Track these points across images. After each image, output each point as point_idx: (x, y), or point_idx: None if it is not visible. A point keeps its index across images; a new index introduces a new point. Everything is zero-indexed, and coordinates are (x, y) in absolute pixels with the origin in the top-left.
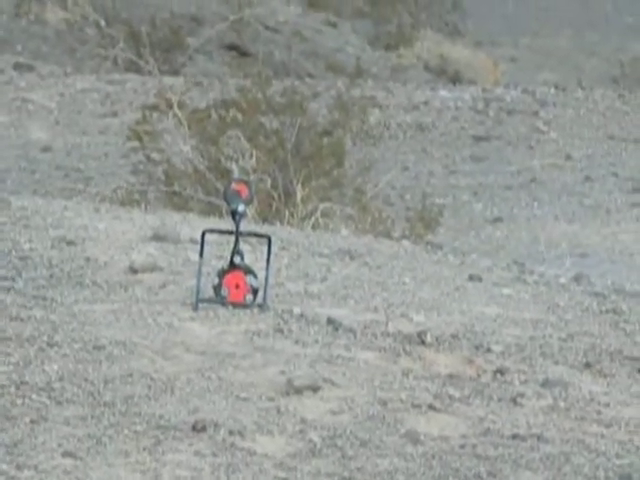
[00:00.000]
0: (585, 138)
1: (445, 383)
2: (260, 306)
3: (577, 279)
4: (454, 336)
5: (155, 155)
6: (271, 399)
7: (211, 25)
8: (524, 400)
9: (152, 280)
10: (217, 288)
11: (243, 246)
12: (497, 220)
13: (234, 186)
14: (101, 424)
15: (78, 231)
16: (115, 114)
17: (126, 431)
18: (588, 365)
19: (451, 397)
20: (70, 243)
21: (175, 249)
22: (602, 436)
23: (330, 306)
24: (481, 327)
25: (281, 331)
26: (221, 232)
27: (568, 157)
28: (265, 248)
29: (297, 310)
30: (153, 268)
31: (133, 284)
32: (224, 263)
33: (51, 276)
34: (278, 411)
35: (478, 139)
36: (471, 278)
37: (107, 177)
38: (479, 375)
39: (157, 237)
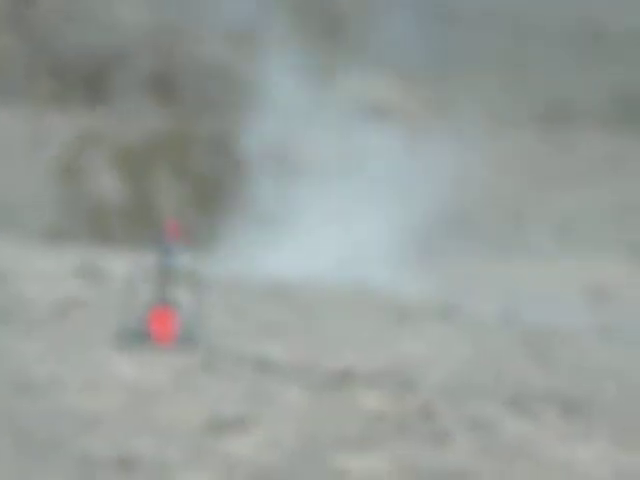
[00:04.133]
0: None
1: (372, 421)
2: (188, 343)
3: (506, 318)
4: (382, 374)
5: (81, 190)
6: (197, 436)
7: (138, 59)
8: (451, 438)
9: (79, 316)
10: (145, 325)
11: (173, 282)
12: None
13: (167, 225)
14: (28, 460)
15: (4, 266)
16: (41, 148)
17: (52, 467)
18: (516, 404)
19: (378, 435)
20: None
21: (103, 285)
22: (530, 475)
23: (259, 343)
24: (409, 365)
25: (209, 368)
26: (151, 269)
27: (499, 197)
28: (196, 285)
29: (225, 347)
30: (80, 304)
31: (60, 320)
32: (153, 300)
33: None
34: (204, 448)
35: None
36: (400, 316)
37: (33, 212)
38: (406, 413)
39: (84, 272)
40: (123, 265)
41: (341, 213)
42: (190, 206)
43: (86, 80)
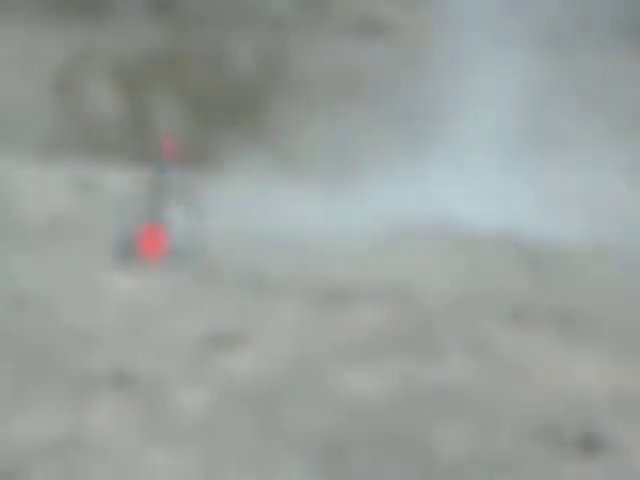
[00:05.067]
0: None
1: (370, 336)
2: (179, 259)
3: (504, 235)
4: (380, 289)
5: (78, 105)
6: (194, 351)
7: None
8: (450, 354)
9: (73, 231)
10: (139, 240)
11: (167, 200)
12: None
13: (162, 141)
14: (22, 375)
15: None
16: (36, 63)
17: (47, 383)
18: (514, 320)
19: (376, 350)
20: None
21: (98, 199)
22: (528, 391)
23: (254, 258)
24: (407, 281)
25: (203, 284)
26: (146, 185)
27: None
28: (189, 203)
29: (220, 263)
30: (74, 219)
31: (54, 235)
32: (147, 215)
33: None
34: (200, 363)
35: None
36: (398, 232)
37: (28, 126)
38: (405, 328)
39: (80, 186)
40: (118, 181)
41: (337, 132)
42: (188, 123)
43: None
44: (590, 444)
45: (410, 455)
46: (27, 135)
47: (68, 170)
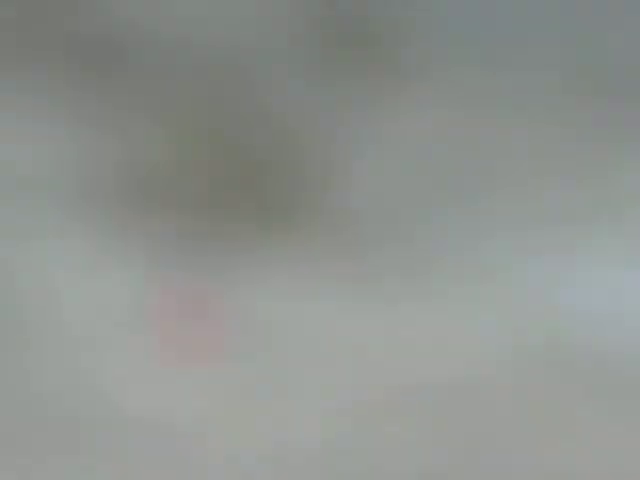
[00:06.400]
0: None
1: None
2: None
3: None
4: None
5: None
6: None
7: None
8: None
9: (98, 313)
10: (162, 318)
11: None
12: None
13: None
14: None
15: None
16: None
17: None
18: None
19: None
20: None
21: (120, 280)
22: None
23: (301, 310)
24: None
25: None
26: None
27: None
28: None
29: (268, 330)
30: (103, 301)
31: (72, 324)
32: (174, 302)
33: None
34: (242, 418)
35: None
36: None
37: (53, 188)
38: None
39: (106, 263)
40: (141, 260)
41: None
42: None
43: (81, 53)
44: None
45: None
46: (52, 198)
47: (94, 241)
